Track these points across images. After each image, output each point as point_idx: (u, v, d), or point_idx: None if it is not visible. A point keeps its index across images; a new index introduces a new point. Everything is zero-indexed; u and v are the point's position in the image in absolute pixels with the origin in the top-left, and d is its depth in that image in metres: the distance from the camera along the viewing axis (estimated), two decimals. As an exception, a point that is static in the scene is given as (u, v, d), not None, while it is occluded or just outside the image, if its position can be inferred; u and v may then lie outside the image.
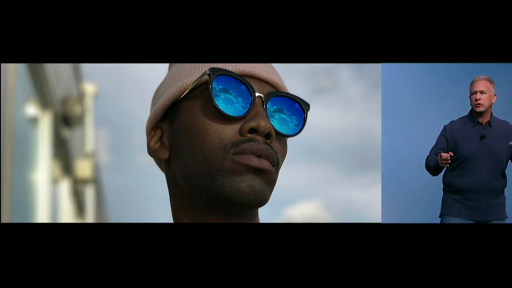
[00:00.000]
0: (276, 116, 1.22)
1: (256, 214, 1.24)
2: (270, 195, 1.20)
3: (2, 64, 3.35)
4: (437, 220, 3.01)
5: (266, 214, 1.29)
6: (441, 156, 2.87)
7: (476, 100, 3.02)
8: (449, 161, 2.88)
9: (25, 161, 5.55)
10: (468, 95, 3.27)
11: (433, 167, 2.98)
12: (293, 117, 1.24)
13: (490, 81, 3.06)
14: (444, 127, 3.13)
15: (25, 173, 5.56)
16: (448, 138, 3.07)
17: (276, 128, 1.21)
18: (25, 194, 5.54)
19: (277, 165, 1.19)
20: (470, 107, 3.58)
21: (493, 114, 3.11)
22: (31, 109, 5.73)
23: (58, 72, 6.58)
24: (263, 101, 1.19)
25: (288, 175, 1.43)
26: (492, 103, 3.05)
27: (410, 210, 3.29)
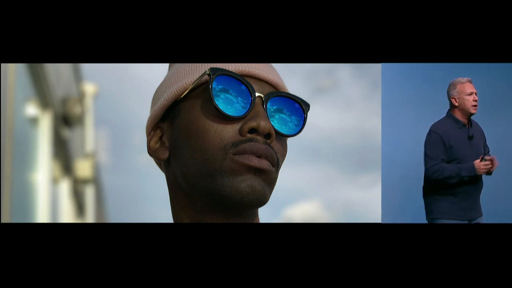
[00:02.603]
0: (276, 116, 1.22)
1: (256, 214, 1.24)
2: (270, 195, 1.20)
3: (2, 64, 3.35)
4: (481, 218, 3.02)
5: (266, 214, 1.29)
6: (483, 164, 2.89)
7: (475, 101, 3.04)
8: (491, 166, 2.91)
9: (25, 161, 5.55)
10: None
11: (465, 177, 2.96)
12: (293, 117, 1.24)
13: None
14: (435, 132, 3.13)
15: (25, 173, 5.56)
16: (445, 143, 3.08)
17: (276, 128, 1.21)
18: (25, 194, 5.54)
19: (277, 165, 1.19)
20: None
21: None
22: (31, 109, 5.73)
23: (58, 72, 6.58)
24: (263, 101, 1.19)
25: (288, 175, 1.43)
26: None
27: (410, 210, 3.29)
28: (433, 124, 3.18)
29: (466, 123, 3.06)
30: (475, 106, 3.03)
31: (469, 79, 3.10)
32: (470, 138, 3.02)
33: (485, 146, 3.07)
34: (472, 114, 3.05)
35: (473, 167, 2.94)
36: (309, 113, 1.26)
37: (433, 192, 3.09)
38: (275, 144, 1.20)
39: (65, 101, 6.79)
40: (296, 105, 1.24)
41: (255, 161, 1.14)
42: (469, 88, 3.06)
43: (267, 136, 1.17)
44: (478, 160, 2.92)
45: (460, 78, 3.12)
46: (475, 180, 2.99)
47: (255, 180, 1.15)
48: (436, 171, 3.07)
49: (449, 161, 3.06)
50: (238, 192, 1.14)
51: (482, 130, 3.08)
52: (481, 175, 2.97)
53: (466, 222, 3.01)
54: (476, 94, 3.03)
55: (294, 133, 1.24)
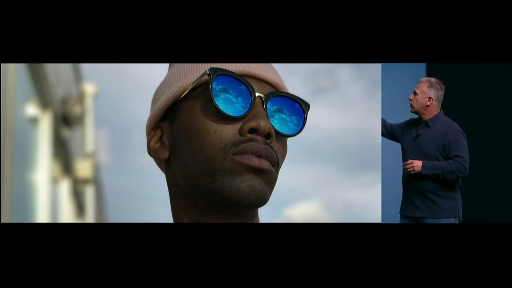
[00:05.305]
0: (276, 116, 1.22)
1: (256, 214, 1.24)
2: (270, 195, 1.20)
3: (2, 64, 3.35)
4: (436, 219, 3.06)
5: (266, 214, 1.29)
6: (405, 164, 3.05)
7: (409, 100, 3.14)
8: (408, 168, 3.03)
9: (25, 161, 5.55)
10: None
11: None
12: (293, 117, 1.24)
13: (430, 83, 3.13)
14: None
15: (25, 173, 5.56)
16: (388, 131, 3.21)
17: (276, 128, 1.21)
18: (25, 194, 5.54)
19: (277, 165, 1.19)
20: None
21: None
22: (31, 109, 5.73)
23: (58, 72, 6.58)
24: (263, 101, 1.19)
25: (288, 175, 1.43)
26: (426, 105, 3.11)
27: (410, 210, 3.30)
28: None
29: (422, 122, 3.13)
30: (410, 105, 3.13)
31: (423, 79, 3.17)
32: (416, 136, 3.11)
33: (447, 148, 3.06)
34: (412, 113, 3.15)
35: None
36: (309, 113, 1.26)
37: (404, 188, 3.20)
38: (275, 144, 1.20)
39: (65, 101, 6.79)
40: (296, 105, 1.24)
41: (255, 161, 1.14)
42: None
43: (267, 136, 1.17)
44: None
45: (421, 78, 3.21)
46: (412, 180, 3.08)
47: (255, 180, 1.15)
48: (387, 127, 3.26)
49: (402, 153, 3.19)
50: (238, 192, 1.14)
51: (450, 132, 3.07)
52: (411, 178, 3.07)
53: (409, 219, 3.09)
54: (414, 94, 3.11)
55: (294, 133, 1.24)
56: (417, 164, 3.01)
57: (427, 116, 3.11)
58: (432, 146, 3.06)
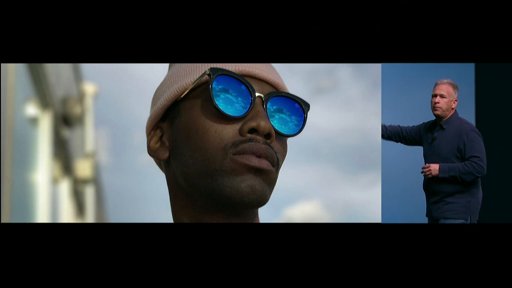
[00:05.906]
0: (276, 116, 1.22)
1: (256, 214, 1.24)
2: (270, 195, 1.20)
3: (2, 64, 3.35)
4: (446, 220, 3.06)
5: (266, 214, 1.29)
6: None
7: (435, 103, 3.09)
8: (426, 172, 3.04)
9: (25, 161, 5.55)
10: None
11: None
12: (293, 117, 1.24)
13: (453, 85, 3.11)
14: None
15: (25, 173, 5.56)
16: (407, 139, 3.21)
17: (276, 128, 1.21)
18: (25, 194, 5.54)
19: (277, 165, 1.19)
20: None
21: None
22: (31, 109, 5.73)
23: (58, 72, 6.58)
24: (263, 101, 1.19)
25: (288, 175, 1.43)
26: (452, 107, 3.09)
27: (410, 210, 3.30)
28: None
29: (439, 124, 3.11)
30: (435, 108, 3.10)
31: (444, 80, 3.13)
32: (432, 140, 3.11)
33: (462, 150, 3.05)
34: (435, 115, 3.12)
35: None
36: (309, 113, 1.26)
37: None
38: (275, 144, 1.20)
39: (65, 101, 6.79)
40: (296, 105, 1.24)
41: (255, 161, 1.14)
42: (435, 90, 3.12)
43: (267, 136, 1.17)
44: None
45: (440, 79, 3.17)
46: (430, 183, 3.09)
47: (255, 180, 1.15)
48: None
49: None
50: (238, 192, 1.14)
51: (464, 133, 3.05)
52: (429, 181, 3.07)
53: (432, 221, 3.10)
54: (441, 97, 3.07)
55: (294, 133, 1.24)
56: (434, 168, 3.01)
57: (446, 118, 3.10)
58: (447, 148, 3.05)
